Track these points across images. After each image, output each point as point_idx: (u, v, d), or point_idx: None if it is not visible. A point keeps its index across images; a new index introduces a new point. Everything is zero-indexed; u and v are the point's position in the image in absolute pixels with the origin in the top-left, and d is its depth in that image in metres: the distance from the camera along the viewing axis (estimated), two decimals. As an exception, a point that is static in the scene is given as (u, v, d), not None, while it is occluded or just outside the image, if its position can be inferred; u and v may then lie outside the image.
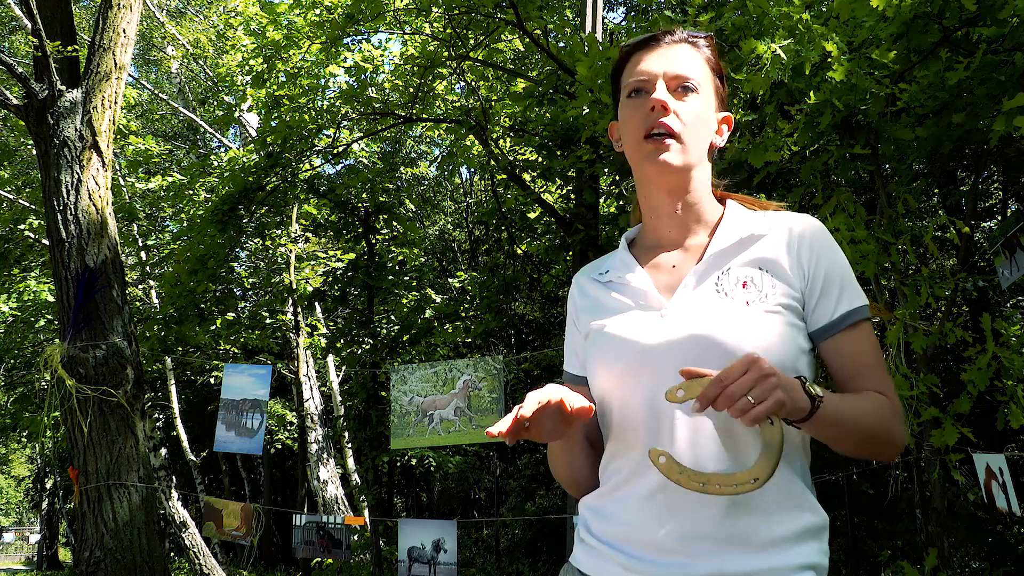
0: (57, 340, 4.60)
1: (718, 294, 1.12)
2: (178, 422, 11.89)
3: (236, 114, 9.12)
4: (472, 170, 11.54)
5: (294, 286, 9.06)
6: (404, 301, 7.99)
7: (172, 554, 13.57)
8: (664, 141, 1.13)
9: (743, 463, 1.04)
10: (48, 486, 21.21)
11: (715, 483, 1.00)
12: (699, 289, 1.13)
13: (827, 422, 1.03)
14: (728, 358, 1.04)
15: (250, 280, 10.05)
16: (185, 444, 12.10)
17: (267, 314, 9.70)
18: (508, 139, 7.10)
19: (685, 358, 1.07)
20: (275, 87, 6.55)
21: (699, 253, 1.18)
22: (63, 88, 4.66)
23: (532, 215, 7.50)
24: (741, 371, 0.94)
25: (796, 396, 0.99)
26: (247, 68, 6.65)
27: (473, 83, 6.86)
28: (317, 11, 6.17)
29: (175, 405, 11.81)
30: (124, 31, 4.93)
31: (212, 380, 12.53)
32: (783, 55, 2.66)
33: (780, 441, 0.97)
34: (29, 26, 4.75)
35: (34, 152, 6.76)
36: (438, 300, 7.84)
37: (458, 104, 6.96)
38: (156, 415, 12.68)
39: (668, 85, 1.16)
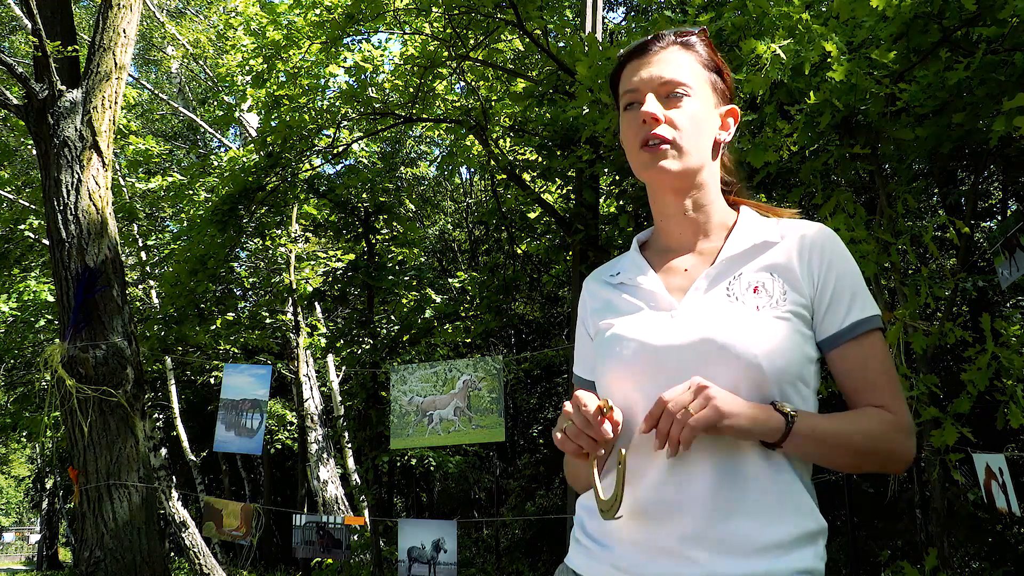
0: (57, 340, 4.60)
1: (729, 298, 1.12)
2: (178, 422, 11.89)
3: (236, 114, 9.12)
4: (472, 170, 11.54)
5: (294, 286, 9.06)
6: (404, 301, 7.99)
7: (172, 554, 13.57)
8: (660, 148, 1.15)
9: (729, 485, 1.05)
10: (48, 486, 21.23)
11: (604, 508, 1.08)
12: (710, 293, 1.14)
13: (807, 440, 1.05)
14: (736, 362, 1.05)
15: (250, 280, 10.05)
16: (185, 444, 12.10)
17: (267, 314, 9.69)
18: (508, 139, 7.10)
19: (693, 360, 1.07)
20: (275, 87, 6.55)
21: (711, 257, 1.18)
22: (63, 88, 4.66)
23: (532, 215, 7.50)
24: (683, 390, 1.03)
25: (768, 417, 1.03)
26: (247, 68, 6.65)
27: (473, 83, 6.86)
28: (317, 11, 6.17)
29: (175, 405, 11.81)
30: (124, 31, 4.93)
31: (212, 380, 12.53)
32: (783, 55, 2.67)
33: (603, 516, 1.07)
34: (29, 26, 4.75)
35: (34, 152, 6.76)
36: (438, 300, 7.83)
37: (458, 104, 6.96)
38: (156, 415, 12.68)
39: (658, 93, 1.17)
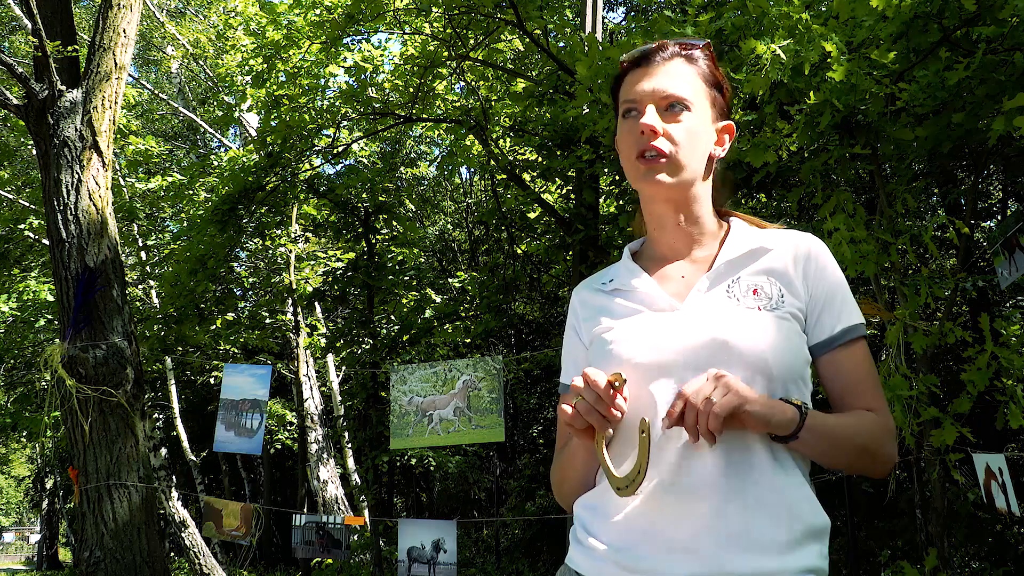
0: (57, 340, 4.60)
1: (730, 299, 1.13)
2: (178, 422, 11.89)
3: (236, 114, 9.12)
4: (472, 170, 11.54)
5: (294, 286, 9.06)
6: (404, 301, 7.99)
7: (172, 554, 13.57)
8: (657, 161, 1.16)
9: (735, 482, 1.05)
10: (48, 486, 21.23)
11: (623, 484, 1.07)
12: (711, 293, 1.15)
13: (817, 434, 1.06)
14: (745, 361, 1.07)
15: (250, 280, 10.05)
16: (185, 444, 12.10)
17: (267, 314, 9.69)
18: (508, 139, 7.10)
19: (700, 360, 1.08)
20: (275, 87, 6.55)
21: (708, 264, 1.20)
22: (63, 88, 4.65)
23: (532, 215, 7.50)
24: (701, 382, 1.02)
25: (783, 409, 1.04)
26: (247, 68, 6.65)
27: (473, 83, 6.87)
28: (317, 11, 6.17)
29: (175, 405, 11.81)
30: (124, 31, 4.93)
31: (212, 380, 12.54)
32: (783, 55, 2.66)
33: (621, 492, 1.06)
34: (29, 26, 4.75)
35: (34, 152, 6.76)
36: (438, 300, 7.83)
37: (458, 104, 6.96)
38: (156, 415, 12.68)
39: (658, 105, 1.17)
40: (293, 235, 9.11)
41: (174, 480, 12.72)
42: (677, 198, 1.20)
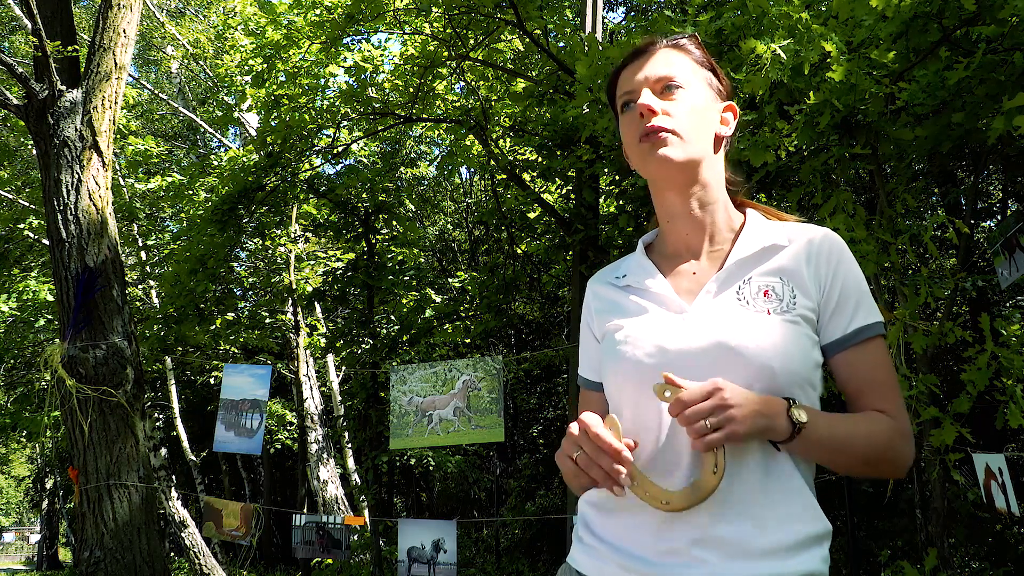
0: (57, 340, 4.60)
1: (739, 302, 1.12)
2: (178, 422, 11.89)
3: (236, 114, 9.13)
4: (472, 170, 11.54)
5: (294, 286, 9.06)
6: (404, 301, 7.99)
7: (172, 554, 13.58)
8: (659, 136, 1.14)
9: (736, 487, 1.04)
10: (48, 486, 21.25)
11: (653, 495, 1.04)
12: (720, 296, 1.13)
13: (813, 445, 1.05)
14: (749, 366, 1.05)
15: (250, 280, 10.05)
16: (185, 444, 12.10)
17: (267, 314, 9.69)
18: (508, 139, 7.10)
19: (704, 364, 1.07)
20: (275, 87, 6.55)
21: (720, 261, 1.18)
22: (63, 88, 4.65)
23: (532, 215, 7.50)
24: (702, 396, 0.99)
25: (775, 423, 1.02)
26: (247, 68, 6.65)
27: (473, 83, 6.87)
28: (317, 11, 6.18)
29: (175, 405, 11.81)
30: (124, 31, 4.93)
31: (212, 380, 12.54)
32: (783, 55, 2.66)
33: (711, 489, 1.01)
34: (29, 26, 4.75)
35: (34, 152, 6.76)
36: (438, 300, 7.83)
37: (458, 104, 6.97)
38: (156, 415, 12.68)
39: (653, 88, 1.17)
40: (293, 235, 9.12)
41: (174, 480, 12.72)
42: (686, 180, 1.18)
